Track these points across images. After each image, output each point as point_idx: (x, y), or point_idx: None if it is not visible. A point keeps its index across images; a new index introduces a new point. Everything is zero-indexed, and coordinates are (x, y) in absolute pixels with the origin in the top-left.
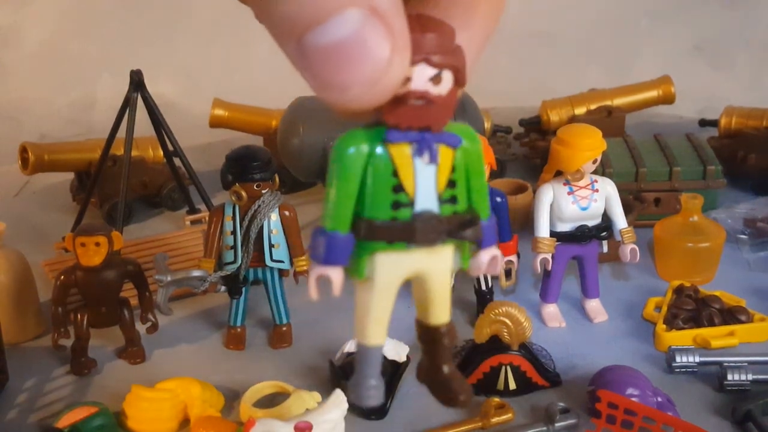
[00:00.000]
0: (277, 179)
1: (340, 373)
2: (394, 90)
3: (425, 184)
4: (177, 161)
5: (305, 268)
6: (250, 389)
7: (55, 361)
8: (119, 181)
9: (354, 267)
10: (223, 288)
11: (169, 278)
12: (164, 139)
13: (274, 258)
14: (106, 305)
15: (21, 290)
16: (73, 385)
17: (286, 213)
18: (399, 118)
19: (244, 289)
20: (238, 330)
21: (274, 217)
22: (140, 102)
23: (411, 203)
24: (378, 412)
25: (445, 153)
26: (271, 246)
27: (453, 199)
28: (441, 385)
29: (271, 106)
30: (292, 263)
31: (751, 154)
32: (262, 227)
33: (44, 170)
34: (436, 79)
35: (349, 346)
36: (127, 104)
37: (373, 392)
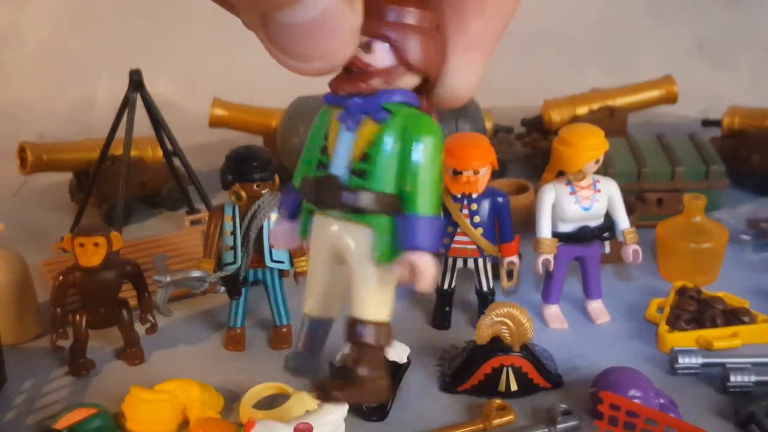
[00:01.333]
0: (276, 179)
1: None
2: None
3: (342, 150)
4: (176, 161)
5: (305, 268)
6: (250, 390)
7: (53, 362)
8: (118, 181)
9: (301, 225)
10: (222, 289)
11: (168, 279)
12: (163, 138)
13: (273, 258)
14: (104, 306)
15: (19, 291)
16: (71, 387)
17: None
18: (333, 82)
19: (243, 290)
20: (238, 331)
21: (274, 217)
22: (139, 101)
23: (327, 166)
24: (379, 414)
25: (368, 125)
26: (271, 246)
27: (362, 173)
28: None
29: (271, 106)
30: (292, 263)
31: (755, 154)
32: (261, 227)
33: (43, 170)
34: (366, 47)
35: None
36: (126, 104)
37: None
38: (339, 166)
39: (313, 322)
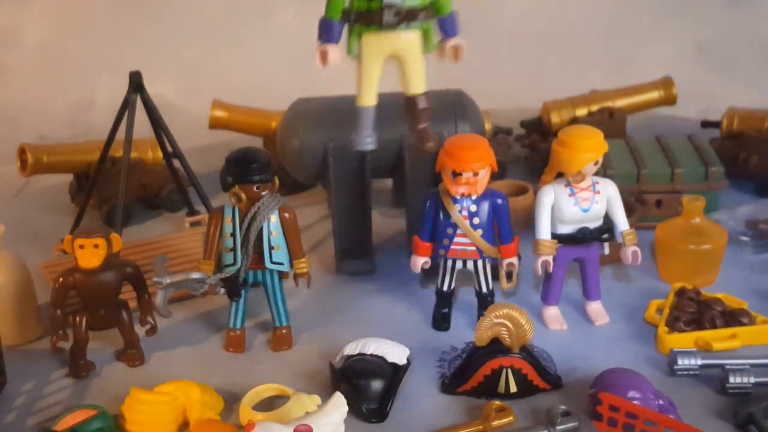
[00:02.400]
0: (276, 181)
1: (340, 376)
2: None
3: None
4: (176, 163)
5: (305, 270)
6: (250, 392)
7: (53, 363)
8: (118, 182)
9: (348, 46)
10: (222, 290)
11: (168, 280)
12: (163, 140)
13: (273, 260)
14: (104, 307)
15: (20, 293)
16: (71, 388)
17: (286, 215)
18: None
19: (243, 292)
20: (238, 333)
21: (274, 218)
22: (139, 103)
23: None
24: (378, 415)
25: None
26: (270, 248)
27: None
28: (415, 137)
29: (270, 108)
30: (291, 265)
31: (753, 156)
32: (261, 229)
33: (43, 172)
34: None
35: (349, 349)
36: (126, 105)
37: (370, 140)
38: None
39: (371, 110)
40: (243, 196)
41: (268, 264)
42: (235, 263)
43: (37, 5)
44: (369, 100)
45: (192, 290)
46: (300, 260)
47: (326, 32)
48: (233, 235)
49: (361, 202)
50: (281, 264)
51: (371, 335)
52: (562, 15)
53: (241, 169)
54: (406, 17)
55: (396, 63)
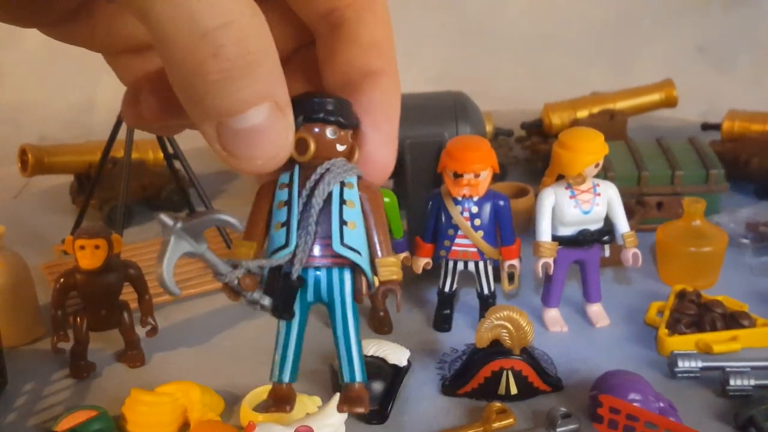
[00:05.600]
0: (356, 149)
1: (340, 377)
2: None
3: None
4: (177, 164)
5: (396, 276)
6: (251, 393)
7: (54, 364)
8: (119, 183)
9: None
10: (265, 300)
11: (179, 225)
12: (164, 141)
13: (345, 242)
14: (105, 308)
15: (20, 293)
16: (72, 389)
17: (369, 190)
18: None
19: (298, 306)
20: (284, 387)
21: (351, 187)
22: None
23: None
24: (379, 417)
25: None
26: (342, 223)
27: None
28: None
29: None
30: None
31: (754, 158)
32: (331, 196)
33: (44, 172)
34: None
35: None
36: None
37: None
38: None
39: None
40: (312, 143)
41: (337, 246)
42: (287, 245)
43: None
44: None
45: (216, 274)
46: (386, 259)
47: None
48: (288, 204)
49: None
50: (357, 252)
51: (372, 337)
52: (563, 17)
53: (313, 103)
54: None
55: None
